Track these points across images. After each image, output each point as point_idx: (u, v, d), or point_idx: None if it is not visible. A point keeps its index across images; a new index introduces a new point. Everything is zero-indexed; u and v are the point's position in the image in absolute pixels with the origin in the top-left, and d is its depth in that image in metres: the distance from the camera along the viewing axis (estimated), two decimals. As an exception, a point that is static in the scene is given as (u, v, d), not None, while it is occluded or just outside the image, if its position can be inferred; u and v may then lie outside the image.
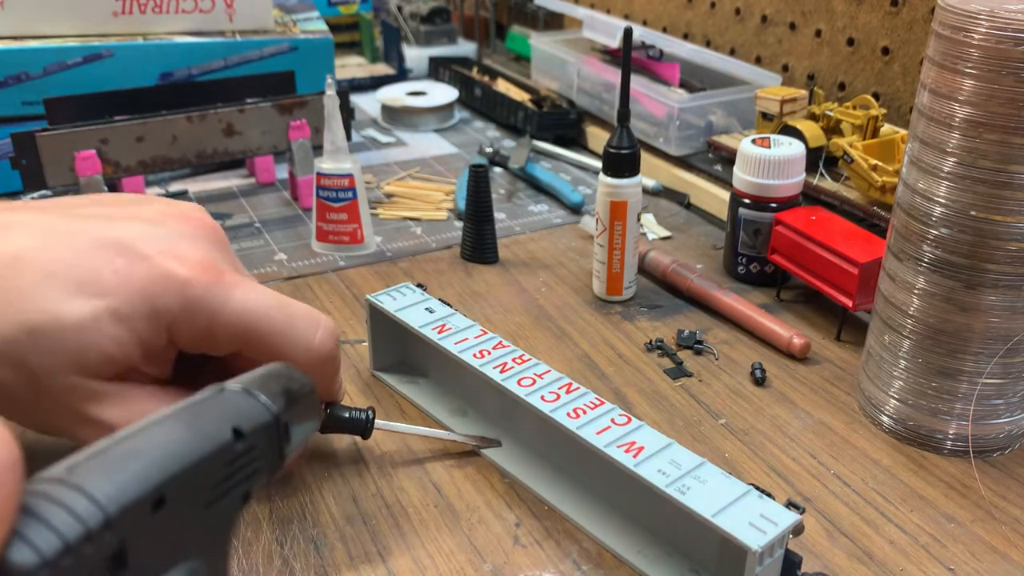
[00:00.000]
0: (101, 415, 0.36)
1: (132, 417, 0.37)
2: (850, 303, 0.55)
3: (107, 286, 0.35)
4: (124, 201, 0.42)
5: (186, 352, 0.40)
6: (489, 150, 0.88)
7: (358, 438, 0.46)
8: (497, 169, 0.87)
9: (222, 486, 0.23)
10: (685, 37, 1.01)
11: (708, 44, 0.97)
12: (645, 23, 1.07)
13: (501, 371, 0.44)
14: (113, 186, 0.77)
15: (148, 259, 0.36)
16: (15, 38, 0.79)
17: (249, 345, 0.38)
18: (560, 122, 0.92)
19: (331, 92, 0.65)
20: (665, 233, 0.73)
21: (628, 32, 0.56)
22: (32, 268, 0.34)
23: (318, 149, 0.73)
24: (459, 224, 0.74)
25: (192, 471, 0.22)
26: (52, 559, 0.17)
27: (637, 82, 0.82)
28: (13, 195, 0.79)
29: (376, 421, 0.44)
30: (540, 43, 1.00)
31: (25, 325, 0.34)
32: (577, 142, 0.93)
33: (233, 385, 0.28)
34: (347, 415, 0.43)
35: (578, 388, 0.43)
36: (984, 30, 0.39)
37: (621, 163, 0.58)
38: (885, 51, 0.76)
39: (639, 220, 0.61)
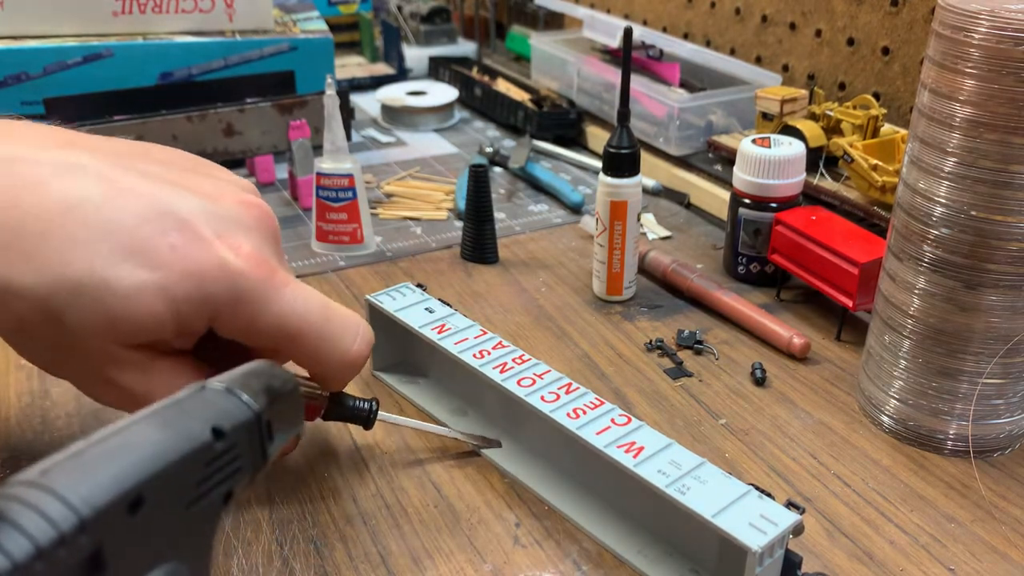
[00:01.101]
0: (121, 380, 0.36)
1: (151, 386, 0.36)
2: (850, 303, 0.55)
3: (159, 260, 0.34)
4: (183, 164, 0.41)
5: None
6: (489, 150, 0.88)
7: (358, 434, 0.46)
8: (497, 169, 0.87)
9: (202, 486, 0.23)
10: (685, 37, 1.01)
11: (708, 44, 0.97)
12: (645, 23, 1.07)
13: (501, 371, 0.44)
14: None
15: (205, 241, 0.36)
16: (15, 38, 0.79)
17: (287, 345, 0.38)
18: (560, 122, 0.92)
19: (331, 92, 0.65)
20: (665, 233, 0.73)
21: (628, 32, 0.56)
22: (88, 223, 0.34)
23: (318, 149, 0.73)
24: (459, 224, 0.74)
25: (171, 471, 0.22)
26: (24, 564, 0.17)
27: (637, 82, 0.82)
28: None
29: (379, 413, 0.44)
30: (540, 43, 1.00)
31: (70, 280, 0.33)
32: (577, 142, 0.93)
33: (214, 383, 0.28)
34: (351, 404, 0.43)
35: (578, 388, 0.43)
36: (984, 30, 0.39)
37: (621, 163, 0.58)
38: (885, 51, 0.76)
39: (639, 220, 0.61)
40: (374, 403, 0.43)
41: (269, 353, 0.40)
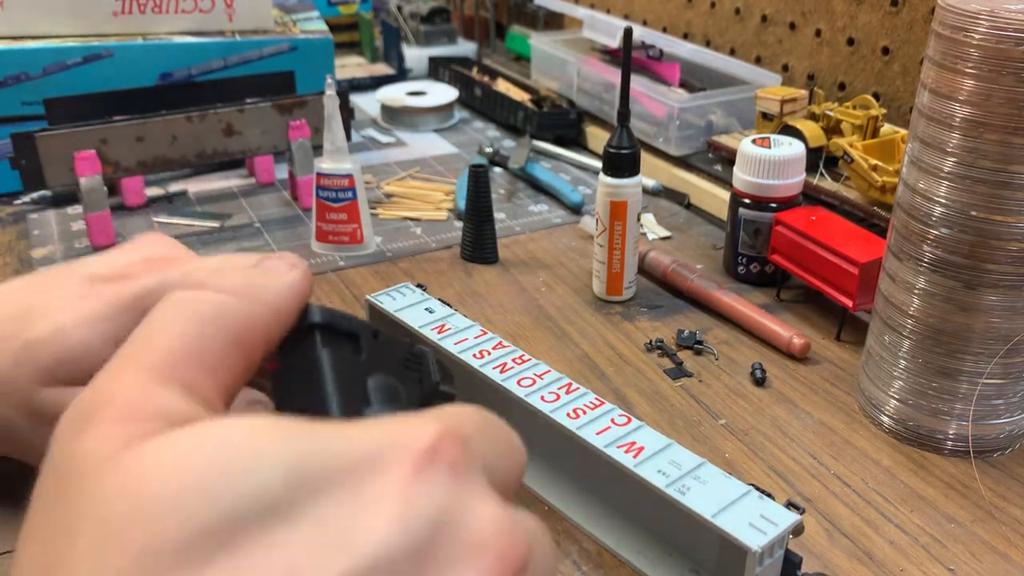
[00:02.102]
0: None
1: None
2: (850, 303, 0.55)
3: (72, 308, 0.39)
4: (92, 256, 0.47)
5: None
6: (489, 150, 0.88)
7: None
8: (497, 169, 0.87)
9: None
10: (685, 37, 1.01)
11: (708, 44, 0.97)
12: (645, 23, 1.07)
13: (501, 371, 0.44)
14: (113, 186, 0.77)
15: (105, 276, 0.40)
16: (15, 38, 0.79)
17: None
18: (560, 122, 0.92)
19: (331, 92, 0.65)
20: (665, 233, 0.73)
21: (628, 32, 0.56)
22: (12, 316, 0.39)
23: (318, 149, 0.73)
24: (459, 224, 0.74)
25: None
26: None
27: (637, 82, 0.82)
28: (13, 195, 0.79)
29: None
30: (540, 43, 1.00)
31: (8, 356, 0.38)
32: (577, 142, 0.93)
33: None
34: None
35: (578, 388, 0.43)
36: (984, 30, 0.39)
37: (621, 163, 0.58)
38: (885, 51, 0.76)
39: (639, 220, 0.61)
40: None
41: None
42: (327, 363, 0.25)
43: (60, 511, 0.18)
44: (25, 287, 0.41)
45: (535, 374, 0.44)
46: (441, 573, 0.18)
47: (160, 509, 0.17)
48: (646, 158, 0.81)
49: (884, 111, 0.67)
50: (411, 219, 0.76)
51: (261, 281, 0.27)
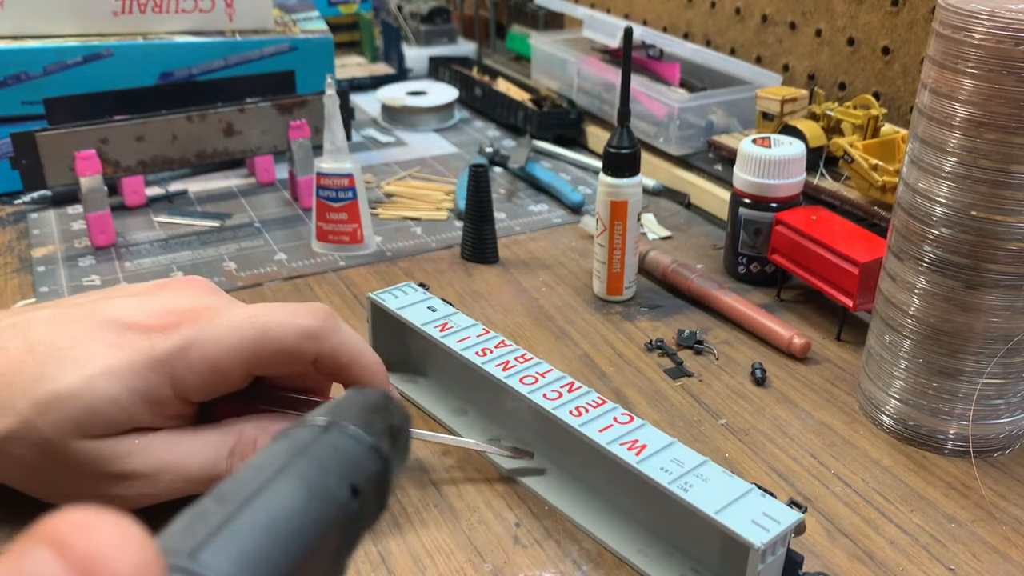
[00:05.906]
0: (123, 468, 0.39)
1: (157, 464, 0.39)
2: (850, 303, 0.55)
3: (100, 357, 0.38)
4: (123, 287, 0.46)
5: (204, 400, 0.41)
6: (489, 150, 0.88)
7: None
8: (497, 169, 0.87)
9: (339, 557, 0.20)
10: (685, 37, 1.01)
11: (708, 44, 0.97)
12: (645, 23, 1.07)
13: (503, 369, 0.44)
14: (113, 186, 0.77)
15: (136, 324, 0.40)
16: (15, 38, 0.79)
17: (253, 360, 0.40)
18: (560, 122, 0.92)
19: (331, 92, 0.65)
20: (665, 233, 0.73)
21: (628, 32, 0.56)
22: (41, 358, 0.39)
23: (318, 149, 0.73)
24: (459, 224, 0.74)
25: (318, 546, 0.19)
26: None
27: (637, 82, 0.82)
28: (13, 195, 0.79)
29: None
30: (540, 43, 1.00)
31: (34, 404, 0.37)
32: (577, 142, 0.93)
33: (344, 424, 0.23)
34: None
35: (580, 387, 0.43)
36: (984, 30, 0.39)
37: (621, 163, 0.58)
38: (885, 51, 0.76)
39: (639, 220, 0.61)
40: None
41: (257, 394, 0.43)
42: None
43: None
44: (52, 322, 0.40)
45: (537, 372, 0.44)
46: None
47: None
48: (646, 158, 0.81)
49: (884, 111, 0.67)
50: (411, 219, 0.76)
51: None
